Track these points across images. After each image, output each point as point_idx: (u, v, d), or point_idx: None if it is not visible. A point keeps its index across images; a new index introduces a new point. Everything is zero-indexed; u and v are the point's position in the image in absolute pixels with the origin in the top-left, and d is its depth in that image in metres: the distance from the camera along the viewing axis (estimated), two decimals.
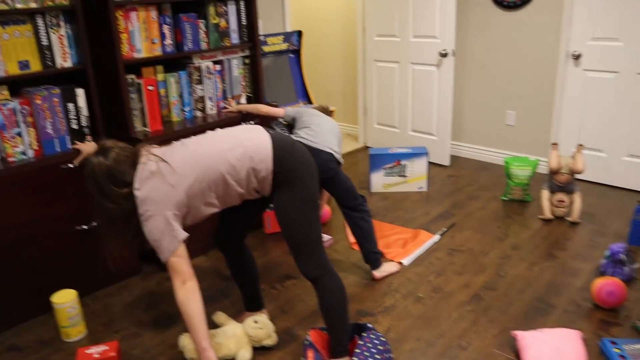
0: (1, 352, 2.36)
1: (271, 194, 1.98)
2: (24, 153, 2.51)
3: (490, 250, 2.99)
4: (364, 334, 2.01)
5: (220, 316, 2.30)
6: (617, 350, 2.06)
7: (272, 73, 3.89)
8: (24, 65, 2.49)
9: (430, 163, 4.46)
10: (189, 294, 1.85)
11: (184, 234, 1.87)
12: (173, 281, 1.86)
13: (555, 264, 2.80)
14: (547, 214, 3.27)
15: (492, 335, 2.26)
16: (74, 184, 2.59)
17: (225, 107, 3.24)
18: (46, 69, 2.55)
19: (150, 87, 2.81)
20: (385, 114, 4.73)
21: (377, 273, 2.74)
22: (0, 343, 2.42)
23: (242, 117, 3.15)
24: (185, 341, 2.17)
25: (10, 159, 2.48)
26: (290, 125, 2.97)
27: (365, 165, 4.48)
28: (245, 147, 1.89)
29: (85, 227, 2.65)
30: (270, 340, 2.24)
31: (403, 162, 3.84)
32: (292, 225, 1.93)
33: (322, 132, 2.73)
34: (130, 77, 2.79)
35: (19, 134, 2.48)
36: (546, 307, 2.44)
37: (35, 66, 2.52)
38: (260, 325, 2.21)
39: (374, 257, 2.72)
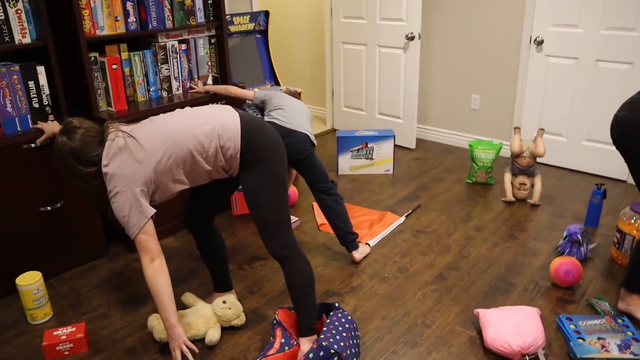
0: None
1: (239, 175, 1.98)
2: None
3: (455, 232, 3.07)
4: (332, 313, 2.05)
5: (188, 297, 2.30)
6: (572, 327, 2.17)
7: (239, 53, 3.85)
8: None
9: (397, 146, 4.51)
10: (157, 272, 1.85)
11: (152, 210, 1.87)
12: (141, 259, 1.86)
13: (516, 245, 2.91)
14: (509, 197, 3.37)
15: (455, 314, 2.34)
16: (38, 164, 2.52)
17: (191, 88, 3.20)
18: (3, 44, 2.45)
19: (114, 66, 2.75)
20: (353, 96, 4.75)
21: (357, 255, 2.76)
22: None
23: (211, 98, 3.12)
24: (153, 322, 2.17)
25: None
26: (260, 108, 2.95)
27: (333, 147, 4.50)
28: (214, 124, 1.89)
29: (49, 208, 2.59)
30: (239, 320, 2.26)
31: (370, 145, 3.88)
32: (260, 206, 1.94)
33: (294, 114, 2.73)
34: (93, 55, 2.72)
35: None
36: (507, 286, 2.53)
37: None
38: (228, 305, 2.23)
39: (350, 239, 2.74)
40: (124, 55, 2.86)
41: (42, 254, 2.64)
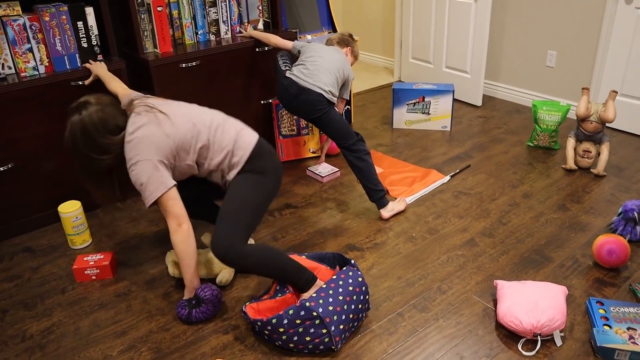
0: (17, 252, 2.56)
1: (232, 180, 2.04)
2: (35, 68, 2.59)
3: (500, 197, 2.87)
4: (343, 269, 1.99)
5: (207, 237, 2.37)
6: (602, 312, 1.98)
7: None
8: None
9: (461, 102, 4.26)
10: (185, 237, 1.93)
11: (172, 182, 1.93)
12: (169, 223, 1.93)
13: (565, 217, 2.67)
14: (571, 164, 3.08)
15: (475, 282, 2.22)
16: None
17: (240, 32, 3.18)
18: None
19: (159, 8, 2.79)
20: (421, 48, 4.50)
21: (385, 212, 2.69)
22: (17, 244, 2.63)
23: (256, 44, 3.09)
24: (169, 258, 2.27)
25: (23, 74, 2.57)
26: (296, 59, 2.90)
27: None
28: (236, 130, 2.03)
29: None
30: None
31: (427, 99, 3.68)
32: (236, 200, 1.96)
33: (317, 71, 2.67)
34: None
35: (30, 50, 2.55)
36: (541, 260, 2.35)
37: None
38: None
39: (377, 196, 2.68)
40: None
41: None
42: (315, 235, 2.58)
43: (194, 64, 2.87)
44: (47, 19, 2.52)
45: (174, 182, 1.94)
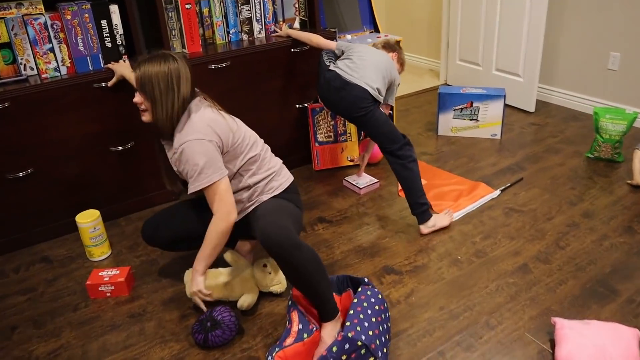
0: (35, 261, 2.45)
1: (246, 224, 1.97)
2: (56, 69, 2.46)
3: (556, 215, 2.56)
4: (360, 290, 1.78)
5: (230, 255, 2.17)
6: None
7: None
8: None
9: (512, 108, 3.93)
10: (228, 229, 1.80)
11: (226, 170, 1.80)
12: (218, 210, 1.78)
13: (632, 241, 2.34)
14: (637, 179, 2.73)
15: (529, 317, 1.94)
16: (109, 103, 2.52)
17: (275, 32, 2.99)
18: None
19: (187, 6, 2.62)
20: (469, 49, 4.20)
21: (424, 228, 2.45)
22: (36, 253, 2.51)
23: (293, 44, 2.89)
24: (189, 276, 2.09)
25: (44, 75, 2.44)
26: (338, 57, 2.67)
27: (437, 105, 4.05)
28: (280, 160, 2.04)
29: (120, 148, 2.61)
30: (279, 287, 2.09)
31: (476, 104, 3.39)
32: (276, 207, 1.87)
33: (363, 66, 2.43)
34: None
35: (51, 50, 2.42)
36: (606, 293, 2.04)
37: None
38: (269, 270, 2.06)
39: (420, 209, 2.43)
40: None
41: (112, 193, 2.69)
42: (349, 255, 2.35)
43: (224, 65, 2.69)
44: (68, 17, 2.38)
45: (227, 172, 1.81)
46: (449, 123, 3.50)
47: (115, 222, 2.71)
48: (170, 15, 2.64)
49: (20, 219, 2.51)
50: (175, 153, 1.78)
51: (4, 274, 2.37)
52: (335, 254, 2.36)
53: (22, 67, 2.43)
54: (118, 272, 2.20)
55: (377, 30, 3.56)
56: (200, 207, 2.04)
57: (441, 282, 2.14)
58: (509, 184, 2.85)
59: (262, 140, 2.00)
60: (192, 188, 1.75)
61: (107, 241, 2.46)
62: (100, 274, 2.20)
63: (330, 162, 3.14)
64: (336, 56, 2.68)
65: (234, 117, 1.93)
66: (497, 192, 2.79)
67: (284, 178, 2.00)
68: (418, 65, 5.12)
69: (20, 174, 2.42)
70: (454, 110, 3.45)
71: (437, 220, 2.48)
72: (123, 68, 2.46)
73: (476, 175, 2.99)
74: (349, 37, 3.34)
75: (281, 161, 2.05)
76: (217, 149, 1.76)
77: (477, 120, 3.43)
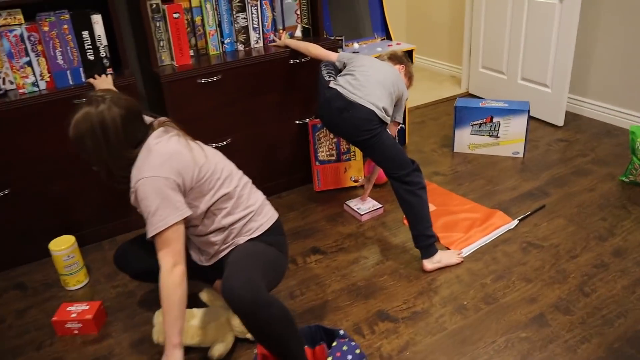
0: (8, 288, 2.31)
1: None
2: (35, 84, 2.29)
3: (582, 252, 2.26)
4: (335, 345, 1.55)
5: (206, 294, 1.97)
6: None
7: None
8: None
9: (539, 121, 3.60)
10: (177, 281, 1.54)
11: (188, 210, 1.58)
12: (162, 262, 1.55)
13: None
14: None
15: None
16: None
17: (274, 41, 2.76)
18: None
19: (175, 15, 2.41)
20: (493, 55, 3.88)
21: (428, 264, 2.20)
22: (12, 278, 2.37)
23: (292, 55, 2.66)
24: (159, 318, 1.88)
25: (21, 90, 2.28)
26: (339, 70, 2.43)
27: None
28: (263, 196, 1.83)
29: None
30: None
31: (496, 119, 3.09)
32: (249, 253, 1.66)
33: (367, 83, 2.18)
34: (155, 1, 2.41)
35: (29, 64, 2.26)
36: (639, 358, 1.75)
37: None
38: None
39: (425, 242, 2.18)
40: (195, 1, 2.52)
41: (97, 214, 2.52)
42: (341, 295, 2.11)
43: (214, 78, 2.48)
44: (46, 29, 2.21)
45: (190, 212, 1.59)
46: (467, 139, 3.21)
47: (99, 245, 2.54)
48: (158, 25, 2.45)
49: None
50: (132, 193, 1.57)
51: None
52: (326, 293, 2.13)
53: (0, 81, 2.27)
54: (87, 307, 2.02)
55: (389, 38, 3.30)
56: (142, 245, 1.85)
57: (442, 334, 1.88)
58: (528, 213, 2.56)
59: (240, 173, 1.78)
60: (149, 232, 1.54)
61: (84, 269, 2.29)
62: (68, 308, 2.02)
63: (333, 183, 2.90)
64: (337, 70, 2.43)
65: (203, 147, 1.72)
66: (515, 222, 2.50)
67: (265, 218, 1.77)
68: (439, 72, 4.81)
69: None
70: (472, 125, 3.16)
71: (444, 257, 2.22)
72: (104, 83, 2.28)
73: (493, 201, 2.70)
74: (356, 45, 3.09)
75: (263, 197, 1.83)
76: (174, 187, 1.55)
77: (497, 136, 3.14)
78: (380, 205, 2.66)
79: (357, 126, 2.15)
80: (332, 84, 2.25)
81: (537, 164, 3.06)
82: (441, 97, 4.20)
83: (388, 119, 2.22)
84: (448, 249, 2.34)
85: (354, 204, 2.69)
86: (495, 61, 3.86)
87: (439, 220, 2.54)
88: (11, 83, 2.29)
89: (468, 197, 2.75)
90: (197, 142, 1.73)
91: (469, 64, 4.17)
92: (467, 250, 2.33)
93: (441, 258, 2.21)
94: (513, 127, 3.08)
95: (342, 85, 2.21)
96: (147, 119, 1.75)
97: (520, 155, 3.14)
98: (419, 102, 4.10)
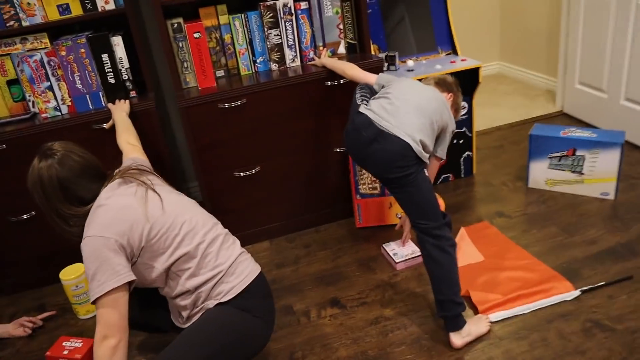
0: (30, 309, 2.35)
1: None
2: (57, 109, 2.27)
3: None
4: None
5: None
6: None
7: (398, 11, 2.87)
8: (63, 9, 2.17)
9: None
10: (106, 354, 1.37)
11: (130, 275, 1.41)
12: (96, 331, 1.40)
13: None
14: None
15: None
16: (111, 145, 2.27)
17: (313, 59, 2.49)
18: (86, 12, 2.19)
19: (196, 35, 2.24)
20: (591, 70, 3.26)
21: (457, 339, 1.81)
22: (36, 299, 2.42)
23: (329, 76, 2.38)
24: None
25: (43, 115, 2.27)
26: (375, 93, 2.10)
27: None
28: (238, 251, 1.60)
29: None
30: None
31: (580, 153, 2.55)
32: (201, 333, 1.48)
33: (404, 109, 1.84)
34: (176, 20, 2.26)
35: (50, 88, 2.23)
36: None
37: (76, 10, 2.18)
38: None
39: (453, 312, 1.80)
40: (223, 19, 2.34)
41: None
42: None
43: (238, 103, 2.28)
44: (63, 53, 2.16)
45: (133, 277, 1.42)
46: (543, 174, 2.70)
47: None
48: (180, 45, 2.30)
49: (25, 261, 2.41)
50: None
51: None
52: (331, 358, 1.84)
53: (30, 104, 2.28)
54: (81, 344, 1.94)
55: (455, 52, 2.87)
56: (143, 291, 1.69)
57: None
58: (602, 283, 2.03)
59: (207, 228, 1.56)
60: (91, 297, 1.38)
61: None
62: (64, 343, 1.96)
63: (376, 219, 2.57)
64: (373, 93, 2.10)
65: (166, 198, 1.53)
66: (577, 292, 1.99)
67: (239, 278, 1.54)
68: (534, 84, 4.21)
69: (25, 216, 2.29)
70: (550, 157, 2.64)
71: (473, 328, 1.83)
72: (118, 110, 2.19)
73: (561, 258, 2.20)
74: (410, 63, 2.71)
75: (239, 252, 1.60)
76: (116, 249, 1.38)
77: (581, 172, 2.59)
78: (420, 254, 2.30)
79: (388, 161, 1.80)
80: (362, 109, 1.92)
81: (631, 209, 2.47)
82: (530, 115, 3.65)
83: (426, 157, 1.85)
84: (475, 312, 1.94)
85: (391, 248, 2.35)
86: (595, 77, 3.24)
87: (482, 275, 2.12)
88: (33, 106, 2.29)
89: (530, 250, 2.27)
90: (164, 190, 1.55)
91: (564, 80, 3.57)
92: (498, 316, 1.90)
93: (470, 330, 1.82)
94: (602, 163, 2.52)
95: (374, 110, 1.87)
96: (126, 162, 1.62)
97: (611, 197, 2.57)
98: (502, 122, 3.59)
